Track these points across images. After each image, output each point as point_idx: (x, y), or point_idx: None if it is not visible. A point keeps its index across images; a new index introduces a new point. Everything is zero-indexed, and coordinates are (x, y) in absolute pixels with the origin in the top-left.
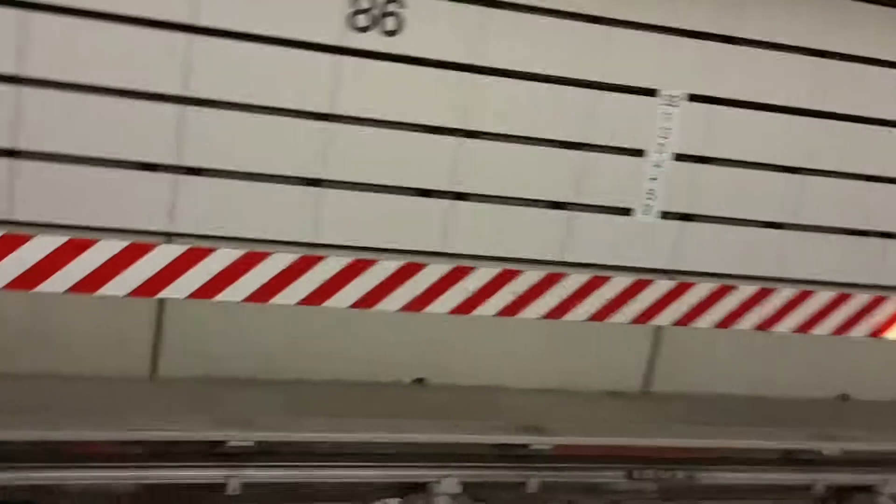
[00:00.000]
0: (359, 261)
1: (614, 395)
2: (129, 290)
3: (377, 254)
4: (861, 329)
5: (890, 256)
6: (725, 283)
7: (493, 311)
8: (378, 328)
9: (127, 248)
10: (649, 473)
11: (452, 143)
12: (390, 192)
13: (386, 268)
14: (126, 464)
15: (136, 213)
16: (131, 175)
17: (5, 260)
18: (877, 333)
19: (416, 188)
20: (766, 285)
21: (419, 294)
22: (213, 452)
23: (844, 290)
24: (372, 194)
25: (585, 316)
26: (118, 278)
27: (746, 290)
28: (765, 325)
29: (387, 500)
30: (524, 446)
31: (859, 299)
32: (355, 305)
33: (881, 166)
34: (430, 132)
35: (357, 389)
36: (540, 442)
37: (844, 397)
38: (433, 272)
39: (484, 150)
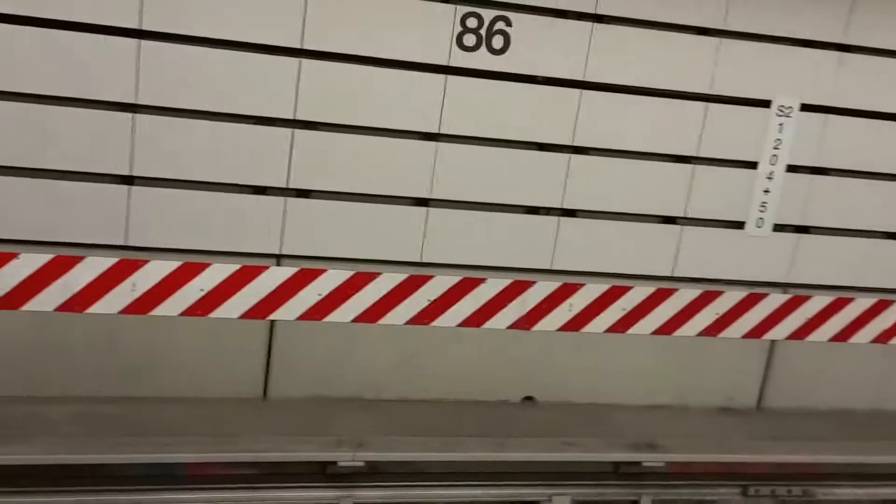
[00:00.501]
0: (467, 279)
1: (727, 410)
2: (242, 313)
3: (485, 272)
4: None
5: None
6: (842, 295)
7: (603, 328)
8: (486, 346)
9: (239, 270)
10: (765, 490)
11: (561, 159)
12: (499, 210)
13: (494, 286)
14: (239, 484)
15: (247, 236)
16: (244, 199)
17: (121, 285)
18: None
19: (524, 206)
20: (885, 297)
21: (528, 312)
22: (325, 473)
23: None
24: (480, 213)
25: (696, 331)
26: (231, 301)
27: (863, 303)
28: (883, 338)
29: None
30: (637, 463)
31: None
32: (463, 324)
33: None
34: (539, 149)
35: (466, 408)
36: (653, 459)
37: None
38: (542, 289)
39: (592, 165)
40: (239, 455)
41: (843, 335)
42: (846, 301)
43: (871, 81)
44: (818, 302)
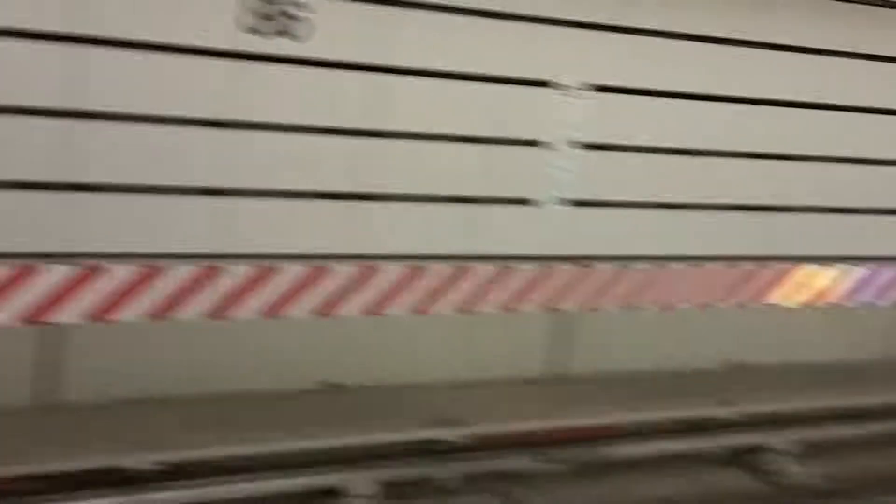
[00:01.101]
0: (261, 267)
1: (527, 381)
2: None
3: (281, 261)
4: (752, 297)
5: (776, 229)
6: (625, 265)
7: (405, 309)
8: (290, 334)
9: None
10: (565, 454)
11: (353, 144)
12: (293, 197)
13: (290, 273)
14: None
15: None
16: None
17: None
18: (765, 301)
19: (320, 191)
20: (662, 264)
21: (326, 297)
22: (115, 479)
23: (742, 262)
24: (277, 200)
25: (494, 307)
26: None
27: (643, 270)
28: (663, 304)
29: None
30: (441, 440)
31: (745, 270)
32: (264, 313)
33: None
34: (327, 133)
35: (264, 399)
36: (457, 434)
37: (736, 364)
38: (340, 275)
39: (387, 149)
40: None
41: (628, 301)
42: (628, 271)
43: (655, 61)
44: (605, 272)
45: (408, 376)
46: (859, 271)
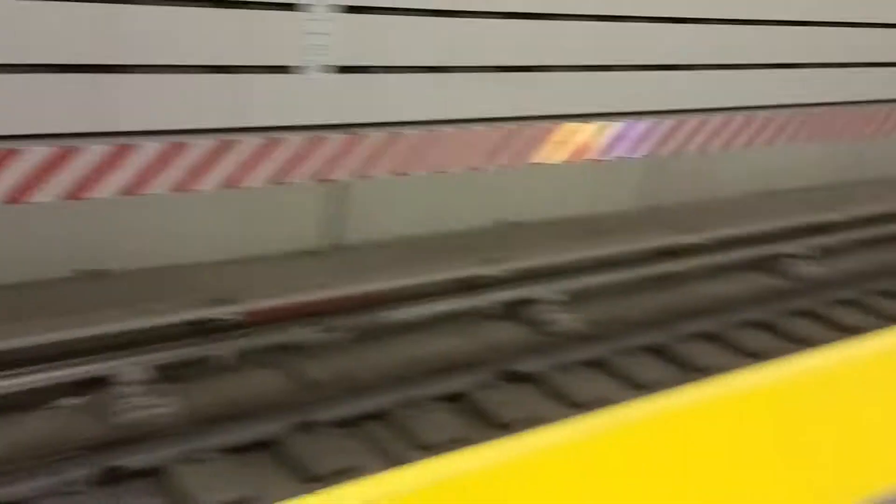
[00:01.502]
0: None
1: (305, 253)
2: None
3: (22, 142)
4: (517, 157)
5: (536, 89)
6: (394, 131)
7: (167, 187)
8: (34, 222)
9: None
10: (342, 322)
11: (98, 7)
12: (29, 72)
13: (35, 154)
14: None
15: None
16: None
17: None
18: (530, 160)
19: (66, 63)
20: (431, 128)
21: (76, 179)
22: None
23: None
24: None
25: (263, 180)
26: None
27: (413, 136)
28: (434, 168)
29: (69, 399)
30: (216, 319)
31: (512, 131)
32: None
33: None
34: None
35: (17, 290)
36: (232, 311)
37: (507, 222)
38: (91, 154)
39: (141, 14)
40: None
41: (400, 168)
42: (398, 136)
43: None
44: (375, 139)
45: (177, 257)
46: (615, 126)
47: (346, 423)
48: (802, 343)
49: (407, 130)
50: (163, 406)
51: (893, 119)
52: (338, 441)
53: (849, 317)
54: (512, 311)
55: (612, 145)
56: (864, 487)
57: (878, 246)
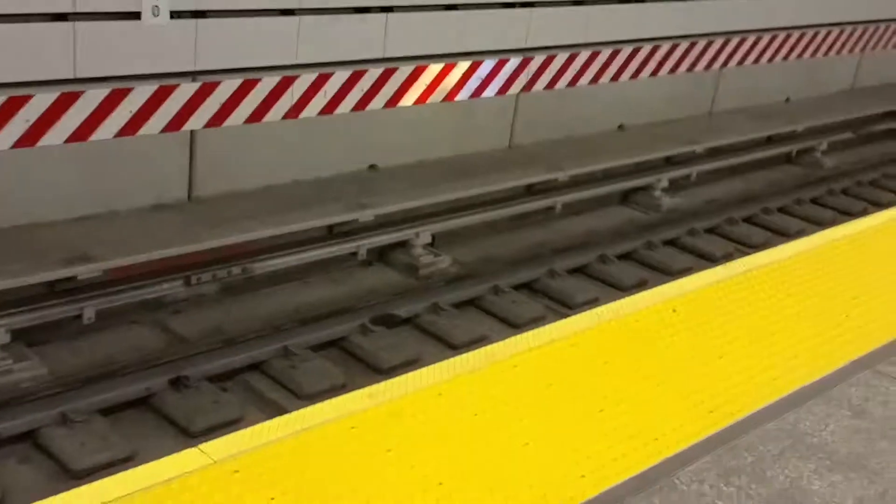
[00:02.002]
0: None
1: (159, 207)
2: None
3: None
4: (378, 102)
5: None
6: (248, 77)
7: (8, 144)
8: None
9: None
10: (206, 277)
11: None
12: None
13: None
14: None
15: None
16: None
17: None
18: (393, 103)
19: None
20: (288, 73)
21: None
22: None
23: (357, 67)
24: None
25: (112, 132)
26: None
27: (270, 82)
28: (291, 114)
29: None
30: (72, 278)
31: (372, 74)
32: None
33: None
34: None
35: None
36: (88, 270)
37: (373, 167)
38: None
39: None
40: None
41: (255, 115)
42: (254, 83)
43: None
44: (229, 86)
45: (30, 216)
46: (474, 66)
47: (220, 378)
48: (666, 273)
49: (262, 76)
50: (25, 370)
51: (744, 50)
52: (212, 396)
53: (709, 245)
54: (383, 255)
55: (471, 85)
56: (722, 412)
57: (732, 175)
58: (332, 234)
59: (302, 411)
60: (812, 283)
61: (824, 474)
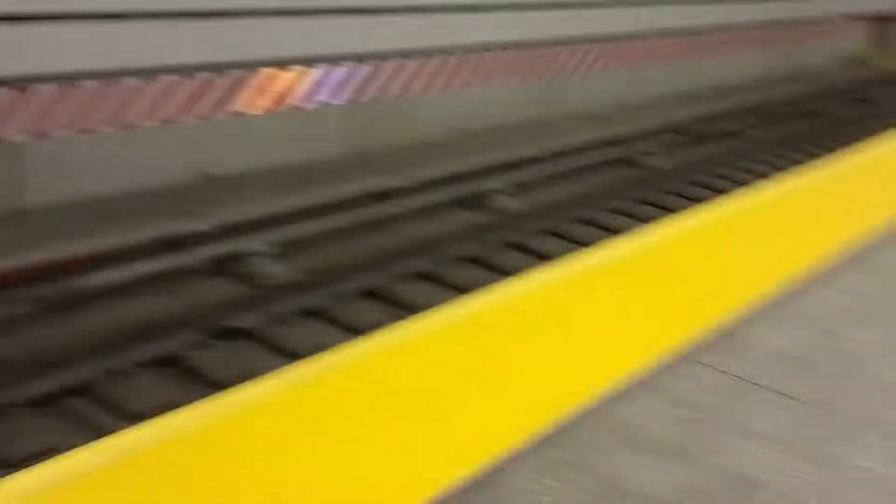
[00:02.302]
0: None
1: None
2: None
3: None
4: (214, 107)
5: (230, 33)
6: (66, 83)
7: None
8: None
9: None
10: (30, 294)
11: None
12: None
13: None
14: None
15: None
16: None
17: None
18: (229, 109)
19: None
20: (112, 79)
21: None
22: None
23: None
24: None
25: None
26: None
27: (93, 88)
28: (120, 122)
29: None
30: None
31: (205, 79)
32: None
33: None
34: None
35: None
36: None
37: (210, 175)
38: None
39: None
40: None
41: (79, 122)
42: (74, 88)
43: None
44: (47, 92)
45: None
46: (315, 72)
47: (42, 402)
48: (508, 274)
49: (84, 83)
50: None
51: (579, 57)
52: (34, 422)
53: (547, 245)
54: (222, 266)
55: (312, 91)
56: (549, 408)
57: (570, 177)
58: (168, 244)
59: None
60: (638, 280)
61: (648, 463)
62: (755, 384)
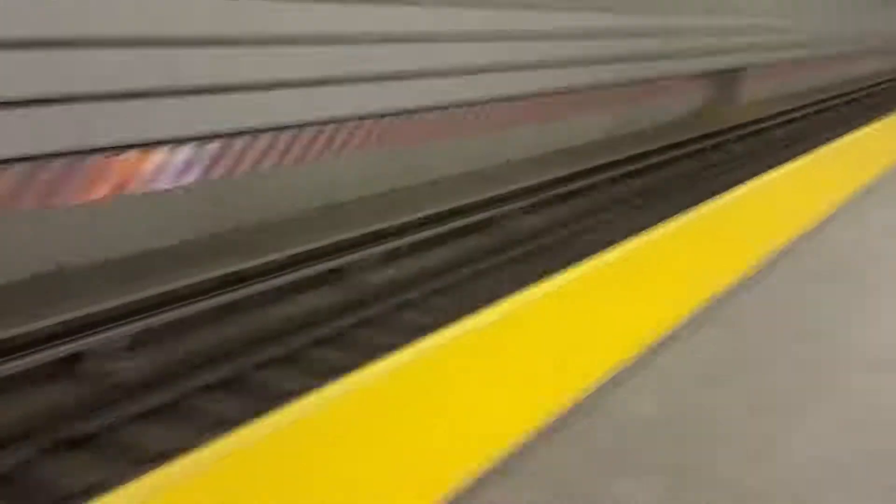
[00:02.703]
0: None
1: None
2: None
3: None
4: (52, 195)
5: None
6: None
7: None
8: None
9: None
10: None
11: None
12: None
13: None
14: None
15: None
16: None
17: None
18: (71, 198)
19: None
20: None
21: None
22: None
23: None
24: None
25: None
26: None
27: None
28: None
29: None
30: None
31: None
32: None
33: None
34: None
35: None
36: None
37: (44, 271)
38: None
39: None
40: None
41: None
42: None
43: None
44: None
45: None
46: (159, 155)
47: None
48: (378, 350)
49: None
50: None
51: (446, 125)
52: None
53: (416, 318)
54: (65, 367)
55: (157, 174)
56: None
57: (439, 244)
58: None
59: None
60: (495, 354)
61: None
62: (618, 457)
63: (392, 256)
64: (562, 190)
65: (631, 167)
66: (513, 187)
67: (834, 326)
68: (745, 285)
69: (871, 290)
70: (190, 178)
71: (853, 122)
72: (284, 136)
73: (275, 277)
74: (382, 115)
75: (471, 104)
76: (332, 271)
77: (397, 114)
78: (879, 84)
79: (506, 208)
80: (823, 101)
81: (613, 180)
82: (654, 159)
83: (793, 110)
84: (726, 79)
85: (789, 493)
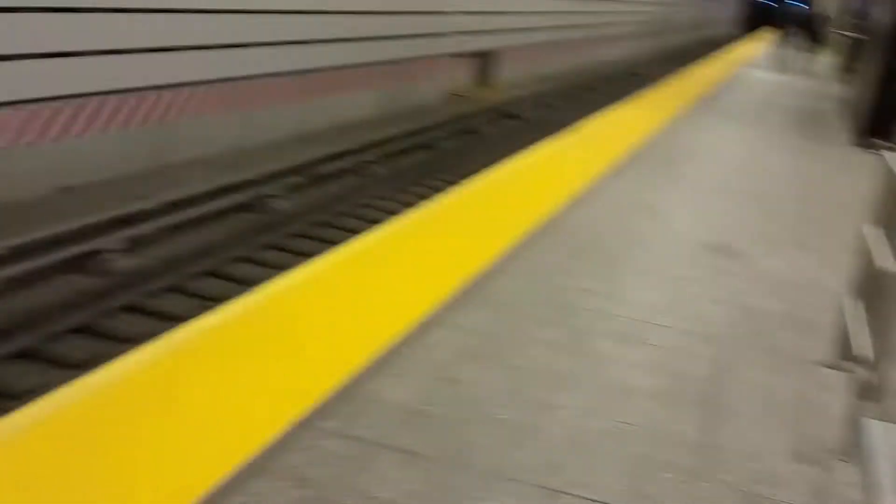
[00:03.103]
0: None
1: None
2: None
3: None
4: None
5: None
6: None
7: None
8: None
9: None
10: None
11: None
12: None
13: None
14: None
15: None
16: None
17: None
18: None
19: None
20: None
21: None
22: None
23: None
24: None
25: None
26: None
27: None
28: None
29: None
30: None
31: None
32: None
33: None
34: None
35: None
36: None
37: None
38: None
39: None
40: None
41: None
42: None
43: None
44: None
45: None
46: None
47: None
48: (128, 342)
49: None
50: None
51: (196, 100)
52: None
53: (170, 305)
54: None
55: None
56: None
57: (188, 229)
58: None
59: None
60: (243, 349)
61: None
62: (378, 445)
63: (143, 241)
64: (328, 169)
65: (395, 147)
66: (275, 167)
67: (585, 300)
68: (501, 265)
69: (617, 263)
70: None
71: (600, 104)
72: (21, 113)
73: (12, 265)
74: (127, 91)
75: (238, 79)
76: (78, 257)
77: (146, 89)
78: (633, 72)
79: (266, 190)
80: (576, 83)
81: (382, 158)
82: (418, 140)
83: (546, 92)
84: (483, 60)
85: (545, 461)
